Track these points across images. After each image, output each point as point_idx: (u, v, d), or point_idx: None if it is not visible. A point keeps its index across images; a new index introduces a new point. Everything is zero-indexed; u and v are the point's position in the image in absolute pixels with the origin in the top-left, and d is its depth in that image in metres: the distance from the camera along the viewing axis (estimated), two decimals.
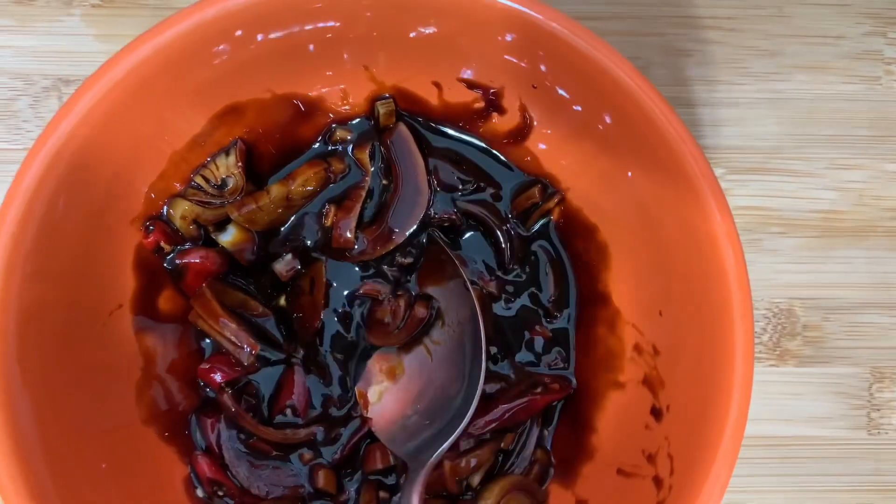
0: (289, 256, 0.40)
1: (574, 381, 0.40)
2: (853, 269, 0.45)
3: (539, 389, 0.39)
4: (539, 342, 0.41)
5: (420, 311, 0.40)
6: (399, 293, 0.40)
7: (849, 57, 0.45)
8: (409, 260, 0.41)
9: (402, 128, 0.39)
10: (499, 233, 0.40)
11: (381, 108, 0.39)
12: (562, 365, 0.40)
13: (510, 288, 0.41)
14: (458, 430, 0.37)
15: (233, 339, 0.38)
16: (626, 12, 0.45)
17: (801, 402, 0.45)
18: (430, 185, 0.40)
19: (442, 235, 0.41)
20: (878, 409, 0.45)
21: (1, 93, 0.43)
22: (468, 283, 0.39)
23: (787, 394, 0.45)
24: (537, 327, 0.40)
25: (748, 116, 0.45)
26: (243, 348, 0.38)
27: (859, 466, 0.45)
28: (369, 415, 0.40)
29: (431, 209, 0.40)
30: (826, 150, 0.45)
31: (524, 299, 0.41)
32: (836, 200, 0.45)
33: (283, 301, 0.41)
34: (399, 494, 0.37)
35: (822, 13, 0.45)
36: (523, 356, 0.41)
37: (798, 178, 0.45)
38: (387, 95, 0.39)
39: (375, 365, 0.40)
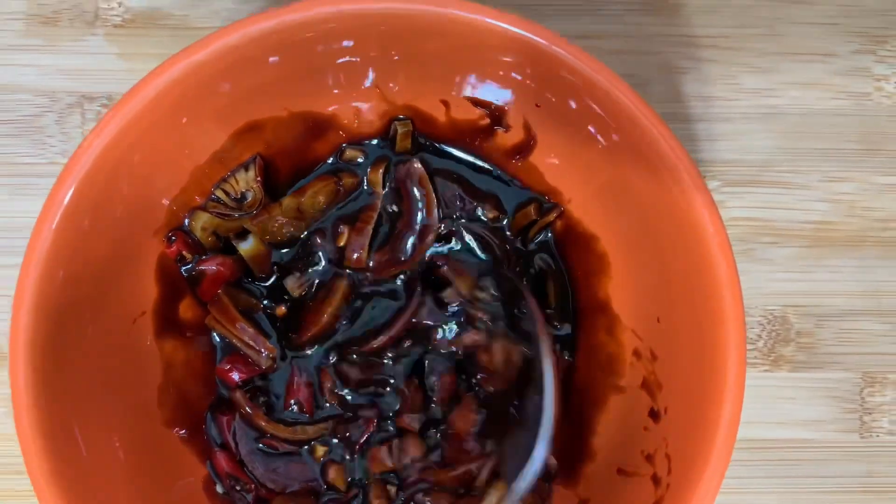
0: (297, 275, 0.41)
1: (567, 355, 0.42)
2: (845, 278, 0.47)
3: None
4: None
5: (517, 359, 0.40)
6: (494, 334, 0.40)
7: (839, 74, 0.47)
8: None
9: (417, 165, 0.41)
10: (498, 251, 0.42)
11: (400, 129, 0.41)
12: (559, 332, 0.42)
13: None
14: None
15: (251, 342, 0.40)
16: (625, 31, 0.47)
17: (795, 406, 0.47)
18: (439, 218, 0.42)
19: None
20: (870, 413, 0.47)
21: (27, 109, 0.45)
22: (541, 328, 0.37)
23: (781, 398, 0.47)
24: None
25: (742, 131, 0.47)
26: (261, 351, 0.40)
27: (852, 468, 0.46)
28: None
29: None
30: (818, 163, 0.47)
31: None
32: (827, 211, 0.47)
33: (283, 309, 0.42)
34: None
35: (813, 32, 0.47)
36: None
37: (791, 190, 0.47)
38: (403, 117, 0.41)
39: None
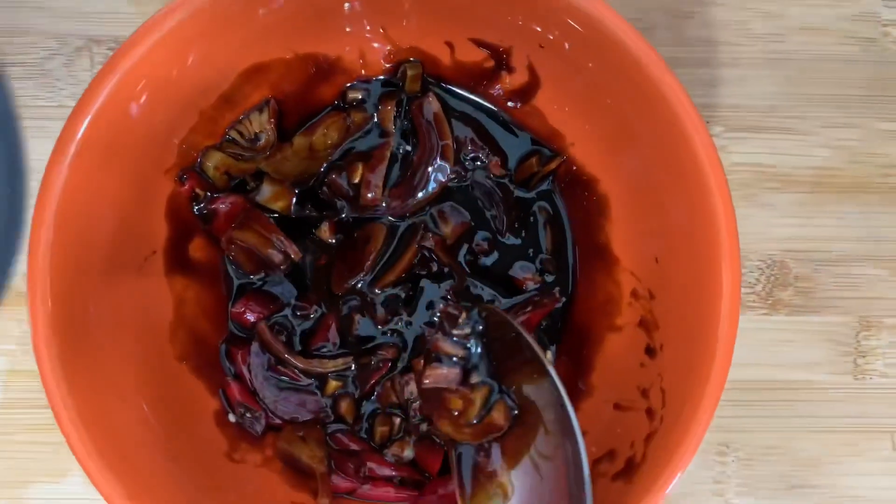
0: (326, 224, 0.42)
1: (558, 292, 0.43)
2: (845, 224, 0.48)
3: (529, 308, 0.42)
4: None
5: (498, 418, 0.36)
6: (474, 384, 0.37)
7: (847, 19, 0.47)
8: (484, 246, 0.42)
9: (433, 98, 0.41)
10: (501, 202, 0.43)
11: (410, 71, 0.41)
12: (548, 279, 0.43)
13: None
14: None
15: (279, 242, 0.41)
16: None
17: (792, 349, 0.48)
18: (457, 158, 0.42)
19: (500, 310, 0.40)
20: (864, 356, 0.48)
21: (36, 52, 0.46)
22: (557, 382, 0.34)
23: (778, 340, 0.48)
24: (529, 275, 0.43)
25: (747, 77, 0.47)
26: (287, 253, 0.41)
27: (845, 409, 0.48)
28: None
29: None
30: (821, 110, 0.47)
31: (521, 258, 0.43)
32: (829, 157, 0.47)
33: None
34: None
35: None
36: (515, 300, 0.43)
37: (794, 135, 0.47)
38: (413, 59, 0.41)
39: (484, 484, 0.36)
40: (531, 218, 0.43)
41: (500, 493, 0.35)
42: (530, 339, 0.36)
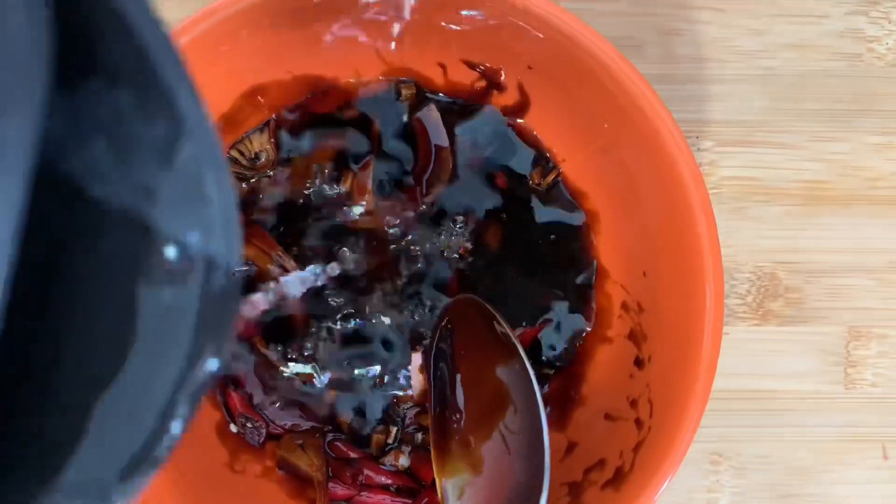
0: (346, 250, 0.43)
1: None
2: (834, 236, 0.48)
3: (524, 322, 0.43)
4: None
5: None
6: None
7: (832, 35, 0.48)
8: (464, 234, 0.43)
9: (433, 108, 0.43)
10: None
11: (404, 91, 0.43)
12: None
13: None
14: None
15: (277, 257, 0.42)
16: None
17: (783, 359, 0.48)
18: (455, 167, 0.43)
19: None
20: (854, 366, 0.48)
21: None
22: (526, 360, 0.38)
23: (769, 351, 0.48)
24: None
25: (736, 92, 0.48)
26: (285, 267, 0.42)
27: (835, 418, 0.48)
28: None
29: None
30: (810, 124, 0.48)
31: None
32: (818, 171, 0.48)
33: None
34: None
35: None
36: None
37: (783, 149, 0.48)
38: (406, 79, 0.42)
39: (455, 453, 0.39)
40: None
41: (469, 466, 0.39)
42: (505, 324, 0.39)
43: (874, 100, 0.48)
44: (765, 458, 0.48)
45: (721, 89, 0.48)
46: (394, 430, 0.43)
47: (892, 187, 0.48)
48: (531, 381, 0.37)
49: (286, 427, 0.43)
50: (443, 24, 0.37)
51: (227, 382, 0.44)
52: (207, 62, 0.37)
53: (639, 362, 0.39)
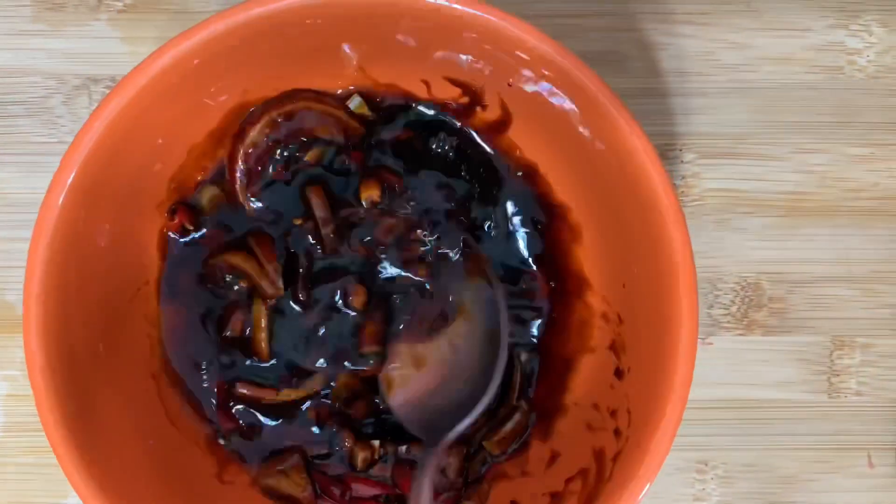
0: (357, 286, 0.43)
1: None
2: (817, 246, 0.49)
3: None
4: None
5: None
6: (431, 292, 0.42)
7: (813, 49, 0.49)
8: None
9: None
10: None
11: (354, 102, 0.43)
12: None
13: None
14: (474, 412, 0.39)
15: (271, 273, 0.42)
16: (605, 10, 0.48)
17: (767, 368, 0.49)
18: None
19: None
20: (838, 375, 0.49)
21: (37, 91, 0.48)
22: (495, 280, 0.41)
23: (753, 360, 0.49)
24: None
25: (718, 105, 0.49)
26: (274, 284, 0.42)
27: (820, 427, 0.49)
28: (392, 401, 0.42)
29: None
30: (791, 136, 0.49)
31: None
32: (801, 182, 0.49)
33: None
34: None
35: (789, 7, 0.49)
36: None
37: (765, 161, 0.49)
38: (358, 97, 0.43)
39: (400, 355, 0.42)
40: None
41: (412, 362, 0.42)
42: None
43: (855, 112, 0.49)
44: (751, 467, 0.49)
45: (704, 102, 0.49)
46: (376, 444, 0.44)
47: (874, 198, 0.49)
48: (492, 288, 0.40)
49: (271, 446, 0.44)
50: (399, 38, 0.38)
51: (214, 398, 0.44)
52: (193, 80, 0.37)
53: (618, 373, 0.40)
